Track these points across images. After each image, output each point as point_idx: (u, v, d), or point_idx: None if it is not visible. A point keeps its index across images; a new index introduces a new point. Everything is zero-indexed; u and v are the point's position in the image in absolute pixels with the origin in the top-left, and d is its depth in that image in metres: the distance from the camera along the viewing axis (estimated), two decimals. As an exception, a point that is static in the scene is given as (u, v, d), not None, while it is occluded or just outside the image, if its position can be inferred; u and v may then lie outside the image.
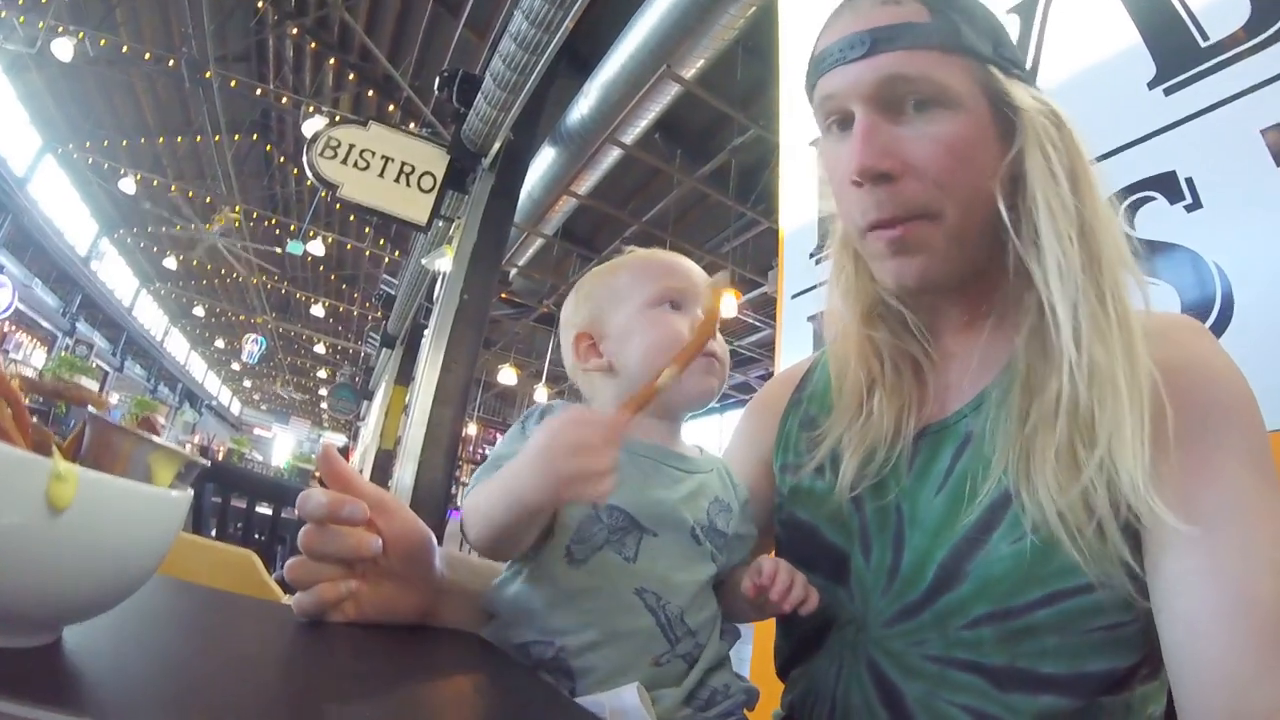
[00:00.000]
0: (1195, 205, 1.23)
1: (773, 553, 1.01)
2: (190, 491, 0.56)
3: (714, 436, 15.65)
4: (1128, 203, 1.31)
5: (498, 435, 22.34)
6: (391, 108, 11.09)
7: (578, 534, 0.80)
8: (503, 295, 12.34)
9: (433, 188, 7.01)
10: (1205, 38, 1.27)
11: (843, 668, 0.87)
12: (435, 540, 0.86)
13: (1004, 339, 0.85)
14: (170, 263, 18.68)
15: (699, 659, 0.82)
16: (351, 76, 11.30)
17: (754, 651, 1.85)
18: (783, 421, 1.08)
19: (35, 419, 0.52)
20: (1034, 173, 0.79)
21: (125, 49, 11.32)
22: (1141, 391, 0.73)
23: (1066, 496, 0.72)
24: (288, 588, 0.92)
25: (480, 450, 21.94)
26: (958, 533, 0.80)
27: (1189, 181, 1.24)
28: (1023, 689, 0.74)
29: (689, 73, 6.02)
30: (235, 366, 30.61)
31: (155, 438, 0.58)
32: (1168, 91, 1.31)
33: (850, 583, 0.89)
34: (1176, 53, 1.31)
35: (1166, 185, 1.27)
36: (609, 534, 0.81)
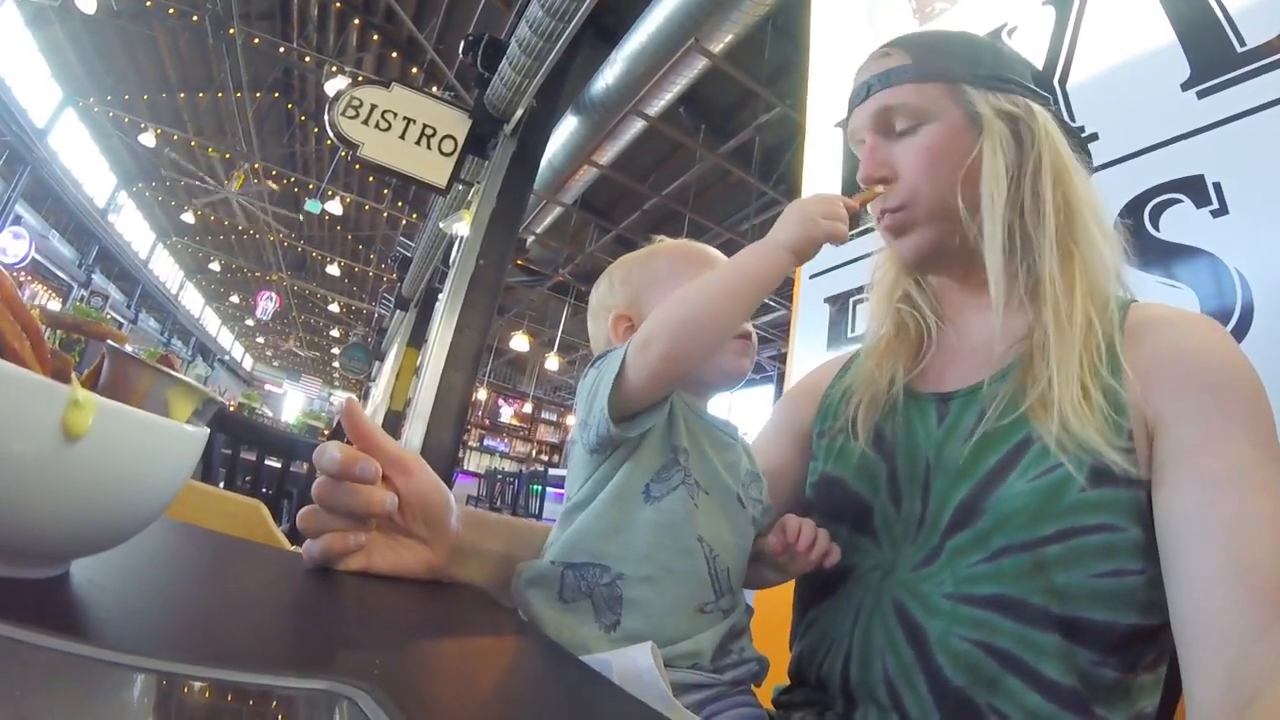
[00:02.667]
0: (1221, 211, 1.22)
1: None
2: (206, 429, 0.55)
3: (723, 414, 15.65)
4: (1153, 203, 1.31)
5: (503, 402, 22.36)
6: (415, 70, 11.04)
7: (659, 474, 0.86)
8: (518, 262, 12.35)
9: (453, 151, 6.99)
10: (1242, 42, 1.26)
11: (861, 611, 0.92)
12: (453, 501, 0.88)
13: (1024, 317, 0.95)
14: (188, 217, 18.70)
15: (731, 613, 0.88)
16: (375, 38, 11.24)
17: (752, 627, 1.87)
18: (824, 396, 1.17)
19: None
20: (985, 165, 0.96)
21: (149, 3, 11.28)
22: (1073, 342, 0.87)
23: (1057, 428, 0.82)
24: (295, 539, 0.93)
25: (488, 418, 21.99)
26: (979, 474, 0.87)
27: (1216, 186, 1.23)
28: (1039, 625, 0.79)
29: (717, 47, 5.98)
30: (249, 322, 30.71)
31: (174, 373, 0.56)
32: (1201, 94, 1.30)
33: (877, 531, 0.95)
34: (1212, 56, 1.30)
35: (1193, 189, 1.26)
36: (684, 477, 0.86)
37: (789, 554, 0.91)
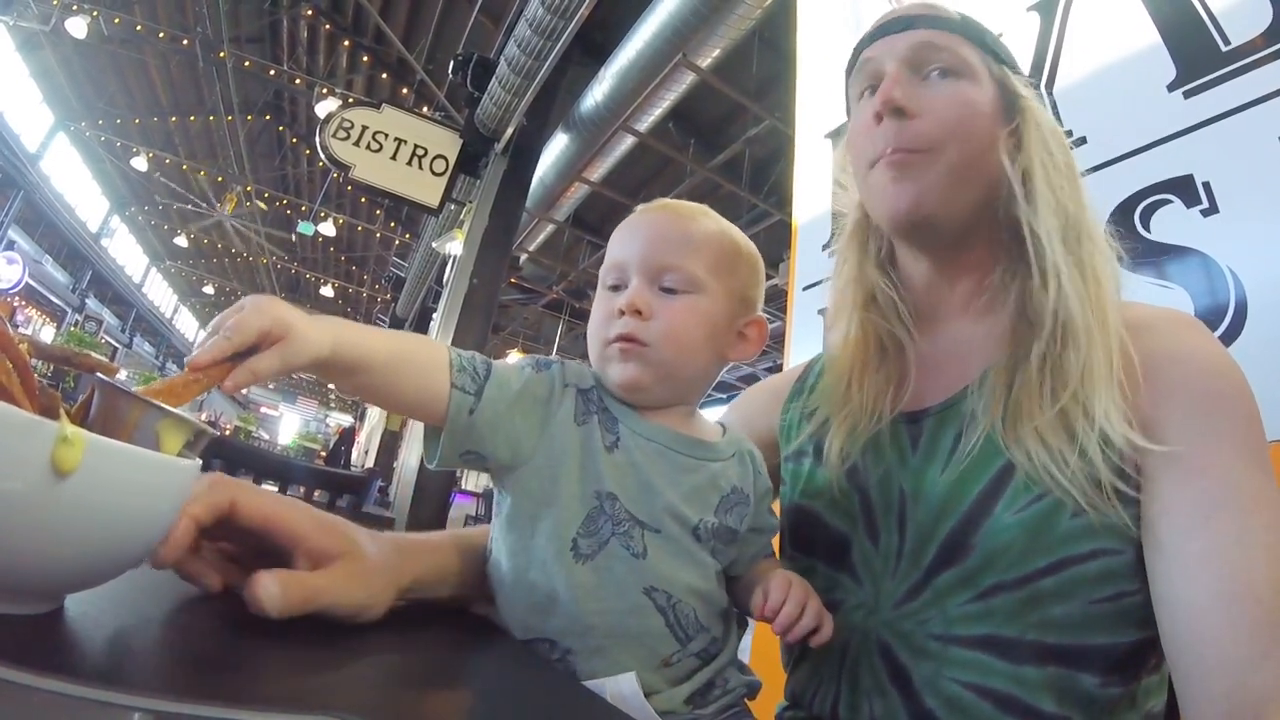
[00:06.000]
0: (1211, 210, 1.22)
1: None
2: (198, 461, 0.55)
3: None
4: (1144, 205, 1.31)
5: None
6: (405, 91, 11.09)
7: (585, 526, 0.76)
8: (512, 280, 12.34)
9: (445, 171, 7.01)
10: (1226, 42, 1.26)
11: (848, 651, 0.87)
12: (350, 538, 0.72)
13: (1002, 323, 0.89)
14: (181, 241, 18.73)
15: (717, 655, 0.81)
16: (365, 59, 11.30)
17: (754, 640, 1.84)
18: (785, 409, 1.10)
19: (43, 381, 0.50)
20: (1032, 142, 0.88)
21: (139, 28, 11.35)
22: (1110, 341, 0.80)
23: (1053, 448, 0.77)
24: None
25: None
26: (963, 506, 0.82)
27: (1206, 186, 1.23)
28: (1032, 661, 0.76)
29: (705, 62, 6.00)
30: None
31: (164, 405, 0.54)
32: (1187, 94, 1.30)
33: (855, 567, 0.90)
34: (1197, 56, 1.30)
35: (1183, 189, 1.26)
36: (614, 525, 0.76)
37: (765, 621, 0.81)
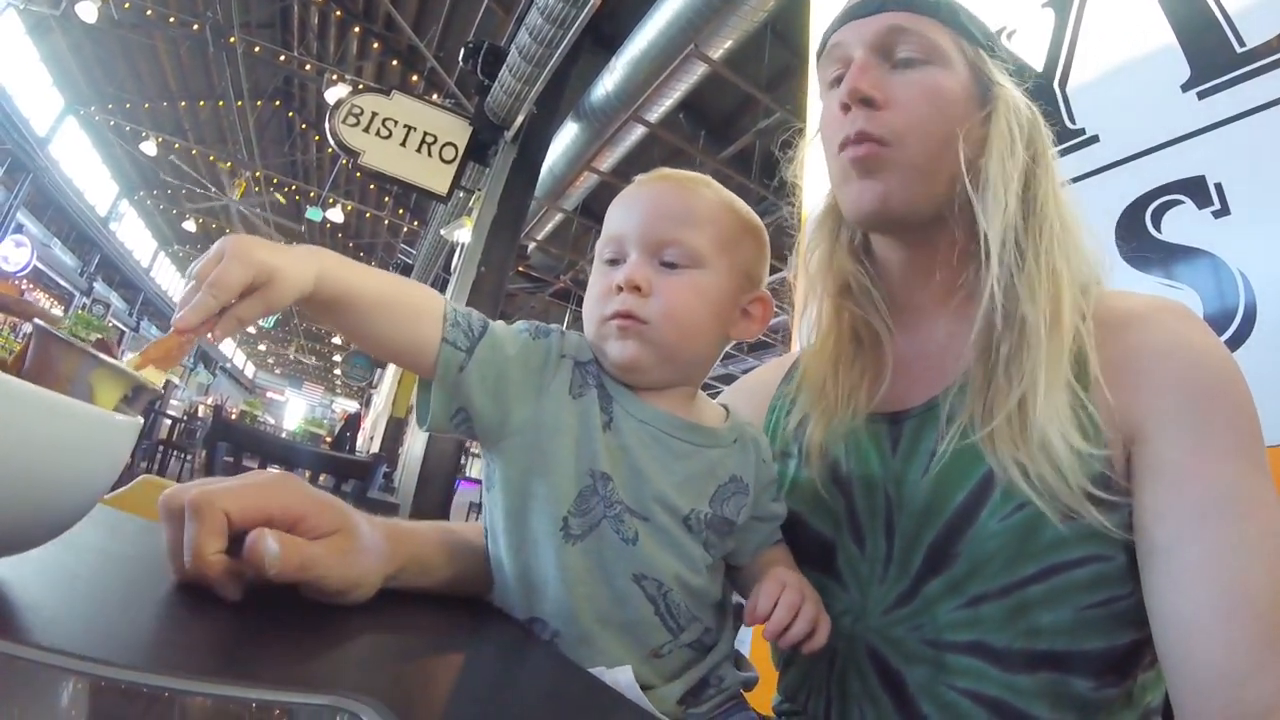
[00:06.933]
0: (1223, 211, 1.22)
1: None
2: (138, 419, 0.49)
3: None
4: (1155, 205, 1.31)
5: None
6: (415, 78, 11.05)
7: (578, 504, 0.73)
8: (520, 269, 12.33)
9: (454, 159, 6.99)
10: (1241, 43, 1.25)
11: (836, 658, 0.86)
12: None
13: (979, 321, 0.85)
14: (189, 225, 18.75)
15: (712, 648, 0.80)
16: (375, 45, 11.27)
17: (754, 633, 1.82)
18: (770, 409, 1.08)
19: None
20: (996, 134, 0.85)
21: (149, 12, 11.33)
22: (1062, 341, 0.77)
23: (1019, 456, 0.75)
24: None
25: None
26: (946, 513, 0.80)
27: (1218, 187, 1.23)
28: (1024, 668, 0.75)
29: (716, 53, 5.97)
30: (251, 330, 30.75)
31: (102, 355, 0.51)
32: (1201, 95, 1.30)
33: (841, 572, 0.88)
34: (1211, 57, 1.30)
35: (1195, 190, 1.26)
36: (606, 508, 0.73)
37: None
